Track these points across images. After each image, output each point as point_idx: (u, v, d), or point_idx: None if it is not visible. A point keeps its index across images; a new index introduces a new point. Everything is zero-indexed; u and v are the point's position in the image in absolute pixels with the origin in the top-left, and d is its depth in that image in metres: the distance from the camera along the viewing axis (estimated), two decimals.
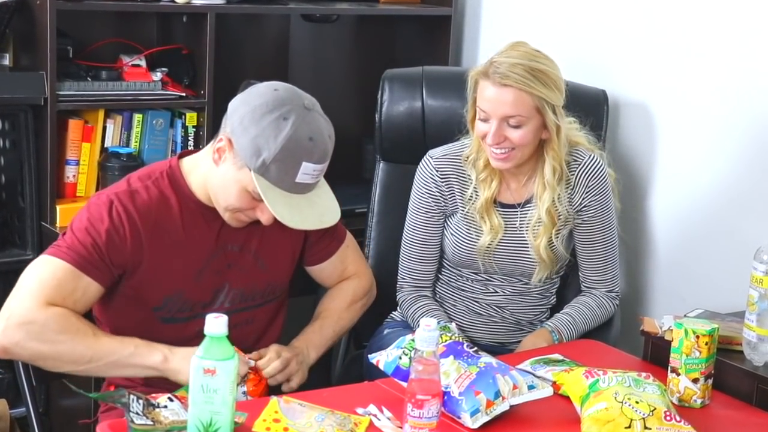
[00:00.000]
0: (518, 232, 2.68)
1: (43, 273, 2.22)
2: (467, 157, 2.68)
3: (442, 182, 2.68)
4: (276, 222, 2.24)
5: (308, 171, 2.20)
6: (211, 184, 2.30)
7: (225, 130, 2.25)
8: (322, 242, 2.54)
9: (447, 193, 2.69)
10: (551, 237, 2.66)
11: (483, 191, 2.65)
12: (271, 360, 2.33)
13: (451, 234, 2.71)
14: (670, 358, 2.22)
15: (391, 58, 3.83)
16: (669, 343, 2.24)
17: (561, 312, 2.74)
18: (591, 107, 3.00)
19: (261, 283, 2.43)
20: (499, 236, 2.66)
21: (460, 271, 2.76)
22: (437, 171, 2.68)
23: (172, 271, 2.31)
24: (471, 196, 2.67)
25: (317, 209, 2.27)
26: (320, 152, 2.21)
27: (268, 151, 2.17)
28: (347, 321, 2.60)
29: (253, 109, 2.20)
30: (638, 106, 3.21)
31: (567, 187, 2.66)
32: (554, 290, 2.82)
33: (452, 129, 2.80)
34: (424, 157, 2.72)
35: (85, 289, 2.23)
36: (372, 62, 3.80)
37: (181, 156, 2.40)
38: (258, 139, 2.18)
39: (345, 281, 2.62)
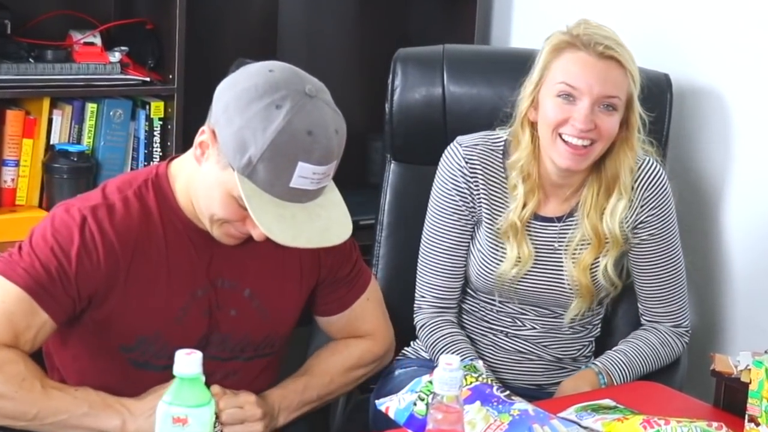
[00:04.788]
0: (556, 253, 2.69)
1: None
2: (518, 164, 2.64)
3: (472, 177, 2.68)
4: (276, 250, 2.20)
5: (306, 174, 2.11)
6: (193, 189, 2.24)
7: (209, 119, 2.19)
8: (338, 290, 2.50)
9: (475, 192, 2.69)
10: (596, 260, 2.67)
11: (520, 205, 2.64)
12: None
13: (478, 250, 2.72)
14: (748, 404, 2.21)
15: (404, 34, 3.84)
16: (746, 385, 2.24)
17: (614, 348, 2.75)
18: (650, 95, 2.98)
19: (259, 333, 2.38)
20: (527, 267, 2.66)
21: (486, 298, 2.77)
22: (467, 162, 2.68)
23: (151, 306, 2.27)
24: (501, 207, 2.67)
25: (319, 223, 2.18)
26: (322, 150, 2.12)
27: (254, 147, 2.09)
28: (339, 387, 2.52)
29: (239, 93, 2.13)
30: (709, 94, 3.22)
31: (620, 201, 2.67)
32: (597, 321, 2.84)
33: (479, 121, 2.82)
34: (452, 144, 2.72)
35: (40, 327, 2.21)
36: (381, 40, 3.83)
37: (172, 160, 2.35)
38: (243, 132, 2.11)
39: (354, 339, 2.55)
